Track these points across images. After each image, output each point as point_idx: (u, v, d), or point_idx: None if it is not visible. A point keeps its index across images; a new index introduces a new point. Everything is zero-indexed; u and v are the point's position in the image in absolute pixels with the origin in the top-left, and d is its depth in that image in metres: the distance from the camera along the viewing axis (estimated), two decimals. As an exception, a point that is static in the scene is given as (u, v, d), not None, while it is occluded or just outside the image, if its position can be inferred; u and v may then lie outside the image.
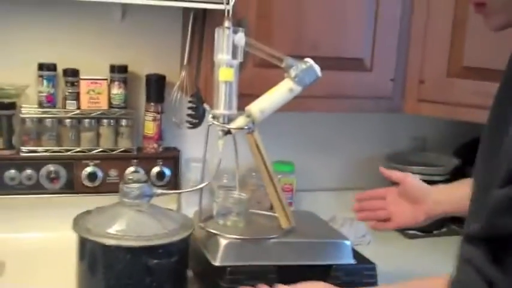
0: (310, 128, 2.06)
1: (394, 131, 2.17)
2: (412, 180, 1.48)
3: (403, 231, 1.97)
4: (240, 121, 1.43)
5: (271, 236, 1.41)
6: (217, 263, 1.37)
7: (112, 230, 1.32)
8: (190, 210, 1.62)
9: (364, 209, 1.56)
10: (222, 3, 1.45)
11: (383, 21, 1.70)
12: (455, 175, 2.04)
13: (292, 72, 1.44)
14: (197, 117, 1.67)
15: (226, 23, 1.42)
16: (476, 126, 1.80)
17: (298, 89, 1.45)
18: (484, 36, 1.67)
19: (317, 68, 1.46)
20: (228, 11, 1.44)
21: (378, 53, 1.72)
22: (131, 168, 1.76)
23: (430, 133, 2.22)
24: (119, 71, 1.76)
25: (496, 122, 1.05)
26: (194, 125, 1.69)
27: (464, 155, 2.10)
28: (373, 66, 1.72)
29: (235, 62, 1.43)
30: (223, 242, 1.38)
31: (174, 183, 1.82)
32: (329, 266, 1.42)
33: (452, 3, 1.68)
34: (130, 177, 1.43)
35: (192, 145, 1.86)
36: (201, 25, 1.66)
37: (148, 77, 1.80)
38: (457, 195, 1.39)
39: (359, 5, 1.67)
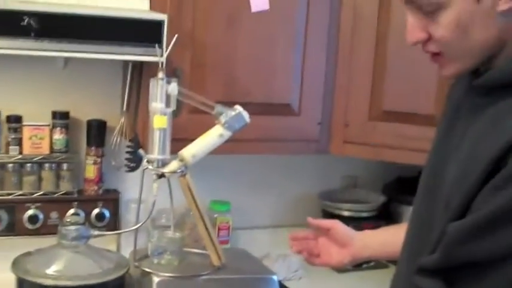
0: (246, 168, 2.16)
1: (327, 170, 2.29)
2: (339, 226, 1.54)
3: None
4: (173, 165, 1.53)
5: (202, 273, 1.51)
6: (150, 300, 1.45)
7: (50, 271, 1.39)
8: (129, 250, 1.69)
9: (301, 251, 1.60)
10: (156, 56, 1.56)
11: (309, 70, 1.84)
12: (381, 211, 2.17)
13: (222, 119, 1.55)
14: (135, 161, 1.76)
15: (160, 74, 1.53)
16: (401, 166, 1.95)
17: (228, 134, 1.56)
18: (400, 83, 1.82)
19: (246, 114, 1.58)
20: (162, 63, 1.55)
21: (305, 99, 1.85)
22: (71, 211, 1.82)
23: (361, 172, 2.35)
24: (61, 117, 1.84)
25: (436, 164, 1.12)
26: (132, 169, 1.78)
27: (391, 192, 2.24)
28: (301, 111, 1.85)
29: (168, 110, 1.54)
30: (155, 279, 1.46)
31: (114, 224, 1.89)
32: (258, 301, 1.52)
33: (372, 54, 1.83)
34: (69, 219, 1.51)
35: (132, 187, 1.94)
36: (138, 74, 1.76)
37: (89, 123, 1.89)
38: (382, 241, 1.49)
39: (286, 54, 1.80)
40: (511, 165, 0.89)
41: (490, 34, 0.99)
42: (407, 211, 2.10)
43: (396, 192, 2.20)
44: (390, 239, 1.48)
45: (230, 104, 1.58)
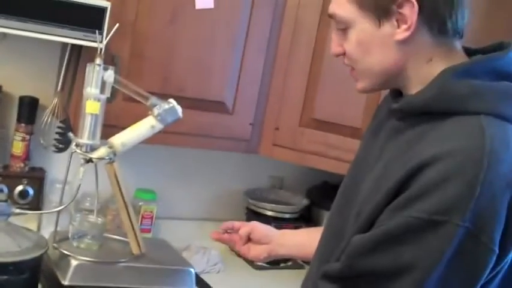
0: (175, 160, 2.19)
1: (255, 169, 2.35)
2: (258, 228, 1.56)
3: (252, 262, 2.13)
4: (102, 151, 1.54)
5: (120, 260, 1.53)
6: (66, 282, 1.46)
7: (-35, 245, 1.38)
8: (50, 230, 1.70)
9: (221, 239, 1.61)
10: (95, 41, 1.56)
11: (247, 71, 1.88)
12: (303, 214, 2.25)
13: (155, 111, 1.58)
14: (64, 143, 1.77)
15: (98, 60, 1.54)
16: (327, 172, 2.02)
17: (159, 126, 1.59)
18: (333, 94, 1.89)
19: (179, 109, 1.60)
20: (101, 49, 1.56)
21: (240, 99, 1.89)
22: (-3, 182, 1.81)
23: (287, 173, 2.41)
24: (-7, 90, 1.83)
25: (354, 176, 1.19)
26: (60, 150, 1.78)
27: (314, 196, 2.32)
28: (235, 111, 1.90)
29: (103, 97, 1.55)
30: (73, 262, 1.48)
31: (37, 203, 1.88)
32: (172, 291, 1.56)
33: (309, 62, 1.89)
34: (-6, 191, 1.50)
35: (59, 168, 1.94)
36: (76, 57, 1.76)
37: (22, 99, 1.87)
38: (298, 241, 1.54)
39: (226, 54, 1.84)
40: (412, 188, 0.96)
41: (387, 59, 1.07)
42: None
43: (320, 196, 2.28)
44: (307, 241, 1.53)
45: (165, 97, 1.61)
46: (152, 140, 1.60)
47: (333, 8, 1.11)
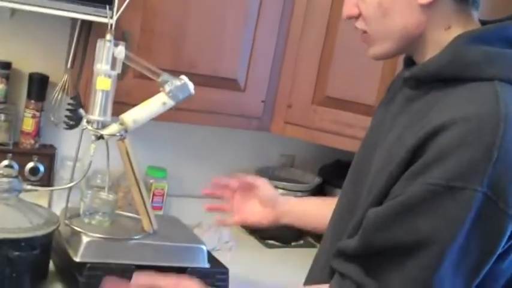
0: (186, 138, 2.18)
1: (265, 147, 2.33)
2: (267, 186, 1.53)
3: (264, 241, 2.12)
4: (113, 128, 1.53)
5: (132, 237, 1.52)
6: (77, 259, 1.45)
7: (-23, 221, 1.38)
8: (60, 207, 1.69)
9: (214, 194, 1.62)
10: (105, 17, 1.54)
11: (259, 48, 1.86)
12: (315, 192, 2.23)
13: (167, 88, 1.56)
14: (74, 120, 1.75)
15: (108, 36, 1.52)
16: (339, 150, 2.00)
17: (171, 103, 1.57)
18: (346, 71, 1.87)
19: (191, 85, 1.58)
20: (111, 25, 1.53)
21: (252, 76, 1.87)
22: (5, 162, 1.80)
23: (299, 152, 2.40)
24: (2, 67, 1.81)
25: (365, 150, 1.17)
26: (71, 127, 1.77)
27: (326, 174, 2.30)
28: (246, 88, 1.88)
29: (113, 73, 1.53)
30: (85, 239, 1.47)
31: (47, 180, 1.88)
32: (184, 269, 1.54)
33: (322, 40, 1.86)
34: (1, 171, 1.49)
35: (69, 144, 1.93)
36: (86, 33, 1.74)
37: (32, 75, 1.86)
38: (303, 210, 1.52)
39: (237, 31, 1.82)
40: (427, 154, 0.94)
41: (409, 23, 1.04)
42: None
43: (332, 175, 2.26)
44: (313, 210, 1.51)
45: (176, 73, 1.59)
46: (163, 117, 1.58)
47: None
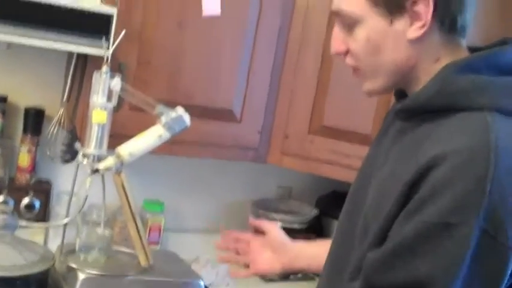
0: (183, 170, 2.16)
1: (262, 179, 2.31)
2: (277, 230, 1.51)
3: (261, 275, 2.09)
4: (109, 161, 1.51)
5: (129, 273, 1.50)
6: (74, 296, 1.43)
7: (-29, 259, 1.35)
8: (56, 243, 1.66)
9: (228, 248, 1.58)
10: (102, 49, 1.54)
11: (254, 79, 1.86)
12: (313, 224, 2.21)
13: (163, 120, 1.55)
14: (70, 154, 1.73)
15: (104, 68, 1.51)
16: (336, 180, 1.99)
17: (167, 135, 1.55)
18: (342, 101, 1.86)
19: (187, 117, 1.57)
20: (107, 57, 1.53)
21: (248, 107, 1.87)
22: (0, 198, 1.77)
23: (296, 183, 2.38)
24: (-1, 101, 1.80)
25: (361, 182, 1.14)
26: (67, 161, 1.75)
27: (323, 205, 2.28)
28: (243, 119, 1.87)
29: (109, 106, 1.52)
30: (81, 276, 1.44)
31: (43, 215, 1.85)
32: (183, 304, 1.52)
33: (317, 70, 1.87)
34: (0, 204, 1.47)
35: (65, 179, 1.91)
36: (83, 66, 1.74)
37: (28, 110, 1.84)
38: (313, 254, 1.47)
39: (233, 62, 1.82)
40: (422, 190, 0.92)
41: (398, 58, 1.03)
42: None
43: (329, 206, 2.24)
44: (321, 253, 1.50)
45: (172, 105, 1.58)
46: (159, 149, 1.57)
47: (339, 4, 1.04)
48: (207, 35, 1.76)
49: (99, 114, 1.51)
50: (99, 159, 1.51)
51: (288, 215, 2.18)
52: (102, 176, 1.54)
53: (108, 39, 1.56)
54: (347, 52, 1.06)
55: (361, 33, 1.03)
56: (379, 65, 1.04)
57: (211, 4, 1.73)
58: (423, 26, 1.00)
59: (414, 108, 1.04)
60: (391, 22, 1.01)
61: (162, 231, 2.04)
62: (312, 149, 1.88)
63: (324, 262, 1.42)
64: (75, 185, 1.55)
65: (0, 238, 1.43)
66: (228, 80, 1.82)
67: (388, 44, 1.02)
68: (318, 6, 1.85)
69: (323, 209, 2.25)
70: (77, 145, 1.52)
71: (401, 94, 1.12)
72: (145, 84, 1.69)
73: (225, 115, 1.84)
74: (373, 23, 1.02)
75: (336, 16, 1.06)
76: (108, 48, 1.55)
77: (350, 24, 1.04)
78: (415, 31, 1.01)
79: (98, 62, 1.57)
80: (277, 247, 1.48)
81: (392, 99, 1.26)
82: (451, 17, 1.01)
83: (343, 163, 1.84)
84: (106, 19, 1.57)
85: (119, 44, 1.56)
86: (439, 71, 1.01)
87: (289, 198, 2.37)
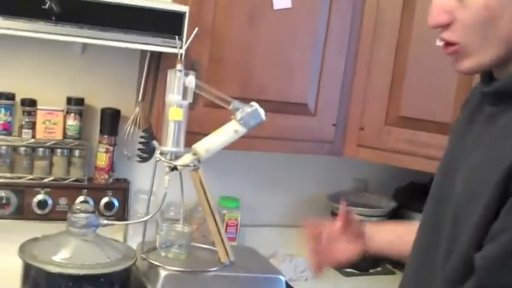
0: (257, 166, 2.15)
1: (337, 172, 2.28)
2: (352, 217, 1.45)
3: (340, 269, 2.06)
4: (186, 159, 1.52)
5: (210, 269, 1.50)
6: (157, 292, 1.44)
7: (57, 258, 1.38)
8: (136, 241, 1.68)
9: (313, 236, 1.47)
10: (175, 47, 1.54)
11: (328, 71, 1.82)
12: (391, 216, 2.15)
13: (238, 115, 1.54)
14: (147, 152, 1.75)
15: (179, 66, 1.52)
16: (413, 172, 1.93)
17: (243, 130, 1.55)
18: (419, 89, 1.80)
19: (262, 111, 1.56)
20: (181, 54, 1.53)
21: (322, 100, 1.83)
22: (80, 198, 1.81)
23: (372, 175, 2.33)
24: (76, 103, 1.83)
25: (446, 172, 1.08)
26: (144, 159, 1.77)
27: (401, 198, 2.22)
28: (317, 112, 1.84)
29: (185, 103, 1.53)
30: (163, 273, 1.45)
31: (122, 214, 1.88)
32: (264, 300, 1.51)
33: (392, 59, 1.81)
34: (78, 207, 1.50)
35: (142, 178, 1.94)
36: (156, 65, 1.75)
37: (104, 111, 1.88)
38: (384, 237, 1.43)
39: (306, 55, 1.79)
40: None
41: None
42: (418, 218, 2.07)
43: (407, 198, 2.19)
44: (395, 236, 1.42)
45: (246, 101, 1.57)
46: (234, 145, 1.56)
47: None
48: (279, 28, 1.73)
49: (175, 111, 1.52)
50: (177, 156, 1.52)
51: (365, 208, 2.13)
52: (180, 173, 1.54)
53: (181, 37, 1.56)
54: (449, 24, 0.96)
55: (478, 0, 0.93)
56: (491, 37, 0.94)
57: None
58: None
59: (505, 92, 0.97)
60: None
61: (239, 227, 2.03)
62: (389, 140, 1.83)
63: (398, 243, 1.36)
64: (153, 183, 1.56)
65: (83, 237, 1.46)
66: (301, 73, 1.80)
67: (505, 13, 0.92)
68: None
69: (401, 201, 2.19)
70: (154, 143, 1.54)
71: (487, 76, 1.04)
72: (218, 80, 1.68)
73: (299, 109, 1.82)
74: None
75: None
76: (181, 46, 1.55)
77: None
78: None
79: (171, 60, 1.57)
80: (357, 232, 1.41)
81: (473, 83, 1.19)
82: None
83: (422, 153, 1.78)
84: (178, 17, 1.57)
85: (191, 41, 1.56)
86: None
87: (366, 191, 2.32)
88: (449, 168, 1.07)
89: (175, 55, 1.55)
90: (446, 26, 0.97)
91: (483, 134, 1.00)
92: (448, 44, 0.98)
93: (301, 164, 2.20)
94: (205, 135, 1.55)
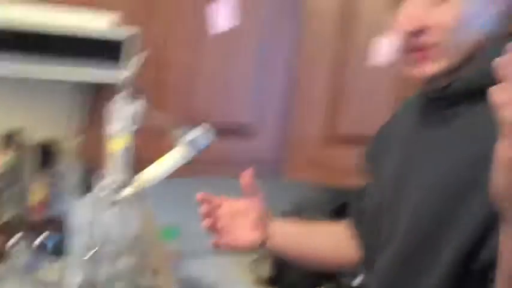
0: (193, 193, 2.10)
1: (274, 195, 2.25)
2: (260, 201, 1.35)
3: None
4: (131, 189, 1.46)
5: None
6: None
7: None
8: (76, 278, 1.60)
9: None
10: (117, 75, 1.50)
11: (269, 92, 1.83)
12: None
13: (185, 140, 1.51)
14: (86, 186, 1.68)
15: (123, 94, 1.47)
16: (347, 192, 1.95)
17: (190, 155, 1.51)
18: (359, 107, 1.85)
19: (209, 135, 1.54)
20: (124, 82, 1.49)
21: (264, 122, 1.85)
22: (18, 235, 1.71)
23: (307, 198, 2.34)
24: (12, 137, 1.75)
25: (395, 183, 1.09)
26: (83, 193, 1.69)
27: (337, 219, 2.23)
28: (260, 133, 1.84)
29: (130, 131, 1.48)
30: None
31: (60, 251, 1.79)
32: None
33: (330, 79, 1.84)
34: (14, 246, 1.41)
35: (82, 212, 1.84)
36: (96, 94, 1.69)
37: (40, 144, 1.79)
38: (287, 234, 1.35)
39: (246, 77, 1.79)
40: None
41: (484, 31, 0.98)
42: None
43: (343, 218, 2.20)
44: (301, 233, 1.38)
45: (190, 125, 1.54)
46: (176, 173, 1.52)
47: None
48: (220, 51, 1.73)
49: (119, 141, 1.47)
50: (121, 187, 1.46)
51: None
52: (123, 205, 1.49)
53: (121, 65, 1.52)
54: (424, 29, 0.99)
55: (456, 3, 0.98)
56: (464, 40, 0.98)
57: (222, 19, 1.71)
58: None
59: (468, 89, 0.98)
60: None
61: (179, 257, 1.98)
62: (331, 158, 1.85)
63: (303, 246, 1.33)
64: (94, 217, 1.49)
65: (20, 277, 1.37)
66: (243, 95, 1.80)
67: (476, 22, 0.98)
68: (328, 13, 1.83)
69: (338, 221, 2.22)
70: (96, 176, 1.47)
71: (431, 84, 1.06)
72: (161, 106, 1.65)
73: (242, 131, 1.82)
74: None
75: None
76: (123, 73, 1.51)
77: None
78: (504, 2, 0.97)
79: (111, 88, 1.53)
80: (260, 218, 1.31)
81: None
82: None
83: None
84: (116, 44, 1.53)
85: (134, 68, 1.52)
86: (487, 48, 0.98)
87: (301, 213, 2.33)
88: (401, 178, 1.07)
89: (115, 83, 1.50)
90: (420, 31, 1.00)
91: (443, 136, 1.01)
92: (421, 48, 1.00)
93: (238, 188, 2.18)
94: (151, 163, 1.50)
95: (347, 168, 1.85)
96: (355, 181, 1.85)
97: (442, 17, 0.98)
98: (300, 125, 1.87)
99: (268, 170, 1.88)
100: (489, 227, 0.87)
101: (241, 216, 1.31)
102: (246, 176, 1.32)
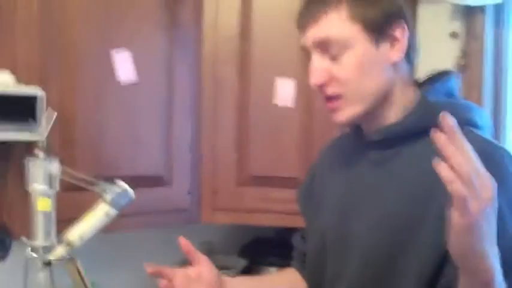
0: (105, 247, 2.06)
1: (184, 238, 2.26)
2: (209, 263, 1.36)
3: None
4: (61, 250, 1.42)
5: None
6: None
7: None
8: None
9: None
10: (31, 134, 1.45)
11: (176, 140, 1.84)
12: (243, 275, 2.20)
13: (108, 197, 1.49)
14: (3, 250, 1.59)
15: (40, 154, 1.43)
16: (256, 228, 2.00)
17: (114, 212, 1.50)
18: (264, 148, 1.90)
19: (130, 190, 1.53)
20: (41, 141, 1.44)
21: (174, 169, 1.85)
22: None
23: (216, 237, 2.36)
24: None
25: (341, 222, 1.16)
26: (1, 258, 1.60)
27: (248, 254, 2.28)
28: (171, 182, 1.84)
29: (52, 192, 1.43)
30: None
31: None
32: None
33: (235, 122, 1.89)
34: None
35: (9, 280, 1.74)
36: (6, 153, 1.61)
37: None
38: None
39: (153, 128, 1.79)
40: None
41: (383, 80, 1.10)
42: (267, 271, 2.15)
43: (255, 253, 2.25)
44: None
45: (101, 179, 1.52)
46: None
47: (326, 32, 1.07)
48: (125, 103, 1.72)
49: (43, 202, 1.41)
50: (49, 249, 1.41)
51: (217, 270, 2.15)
52: (51, 268, 1.43)
53: (37, 123, 1.47)
54: (328, 82, 1.09)
55: (350, 58, 1.07)
56: (365, 90, 1.09)
57: (125, 72, 1.71)
58: (402, 49, 1.08)
59: (402, 133, 1.09)
60: (378, 46, 1.07)
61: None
62: (243, 200, 1.89)
63: None
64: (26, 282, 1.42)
65: None
66: (151, 146, 1.79)
67: (375, 68, 1.08)
68: (225, 56, 1.87)
69: (248, 258, 2.26)
70: (23, 239, 1.41)
71: (357, 130, 1.18)
72: (71, 162, 1.60)
73: (153, 181, 1.81)
74: (362, 48, 1.07)
75: (318, 46, 1.09)
76: (39, 132, 1.46)
77: (338, 50, 1.07)
78: (396, 53, 1.08)
79: (20, 147, 1.47)
80: (214, 281, 1.32)
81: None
82: (412, 47, 1.12)
83: (277, 209, 1.87)
84: (31, 101, 1.47)
85: (40, 125, 1.46)
86: (417, 97, 1.10)
87: (212, 253, 2.34)
88: (344, 217, 1.15)
89: (24, 143, 1.45)
90: (326, 84, 1.09)
91: (386, 176, 1.10)
92: (330, 98, 1.10)
93: (148, 237, 2.16)
94: (73, 221, 1.47)
95: (260, 209, 1.90)
96: (269, 220, 1.91)
97: (339, 71, 1.09)
98: (211, 170, 1.90)
99: (184, 216, 1.89)
100: (442, 254, 0.96)
101: (195, 282, 1.31)
102: (183, 243, 1.33)
